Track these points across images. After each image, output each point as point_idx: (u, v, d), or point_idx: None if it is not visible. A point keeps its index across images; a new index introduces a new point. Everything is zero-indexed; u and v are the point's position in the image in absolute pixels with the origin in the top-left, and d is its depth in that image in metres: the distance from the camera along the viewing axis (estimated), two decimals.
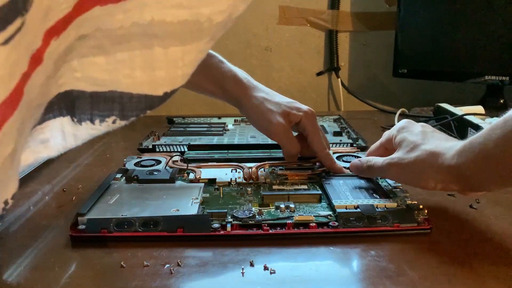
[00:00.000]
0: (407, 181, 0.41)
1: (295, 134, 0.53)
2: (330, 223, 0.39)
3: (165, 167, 0.54)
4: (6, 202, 0.25)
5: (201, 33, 0.28)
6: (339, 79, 1.07)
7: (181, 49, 0.28)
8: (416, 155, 0.39)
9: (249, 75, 0.55)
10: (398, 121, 0.53)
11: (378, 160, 0.44)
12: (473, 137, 0.35)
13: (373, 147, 0.50)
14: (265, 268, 0.34)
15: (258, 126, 0.52)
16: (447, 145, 0.38)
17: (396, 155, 0.42)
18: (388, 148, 0.47)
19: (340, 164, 0.54)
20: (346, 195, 0.44)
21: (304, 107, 0.53)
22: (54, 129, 0.29)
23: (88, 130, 0.30)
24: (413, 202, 0.43)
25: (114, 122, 0.29)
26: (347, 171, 0.52)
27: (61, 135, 0.29)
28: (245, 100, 0.52)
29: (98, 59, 0.27)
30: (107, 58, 0.27)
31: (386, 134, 0.48)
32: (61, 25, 0.23)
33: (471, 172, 0.35)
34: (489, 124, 0.40)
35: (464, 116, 0.68)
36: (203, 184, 0.48)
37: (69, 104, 0.29)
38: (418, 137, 0.41)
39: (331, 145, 0.63)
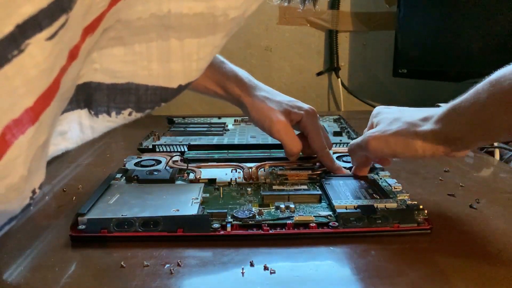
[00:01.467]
0: (392, 153, 0.41)
1: (297, 133, 0.53)
2: (330, 223, 0.39)
3: (165, 167, 0.54)
4: (34, 192, 0.26)
5: (216, 27, 0.28)
6: (339, 79, 1.07)
7: (196, 42, 0.28)
8: (397, 126, 0.41)
9: (250, 75, 0.55)
10: None
11: (357, 139, 0.45)
12: (455, 103, 0.36)
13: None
14: (265, 268, 0.34)
15: (260, 125, 0.52)
16: (426, 114, 0.39)
17: (376, 128, 0.43)
18: None
19: (340, 164, 0.54)
20: (346, 195, 0.44)
21: (306, 106, 0.53)
22: (72, 121, 0.30)
23: (105, 123, 0.30)
24: (413, 202, 0.43)
25: (130, 114, 0.30)
26: (347, 171, 0.52)
27: (79, 127, 0.30)
28: (246, 100, 0.52)
29: (117, 50, 0.28)
30: (125, 49, 0.28)
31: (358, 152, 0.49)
32: (96, 23, 0.24)
33: (459, 135, 0.37)
34: None
35: None
36: (203, 184, 0.48)
37: (86, 96, 0.29)
38: (395, 113, 0.43)
39: None
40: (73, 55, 0.24)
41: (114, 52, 0.28)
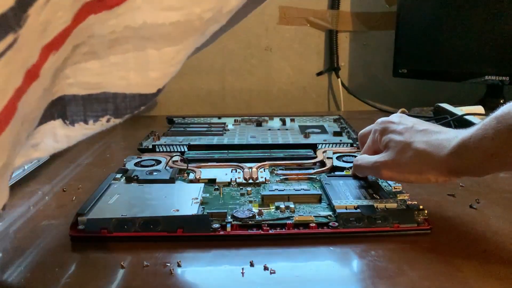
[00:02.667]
0: (405, 181, 0.42)
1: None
2: (330, 224, 0.39)
3: (165, 167, 0.54)
4: None
5: (193, 31, 0.28)
6: (339, 79, 1.07)
7: (174, 49, 0.28)
8: (409, 156, 0.40)
9: None
10: None
11: (367, 161, 0.45)
12: (465, 137, 0.36)
13: (366, 132, 0.50)
14: (265, 268, 0.34)
15: None
16: (437, 142, 0.39)
17: (387, 156, 0.42)
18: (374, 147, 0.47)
19: (341, 164, 0.54)
20: (346, 195, 0.44)
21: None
22: (45, 132, 0.29)
23: (82, 131, 0.29)
24: (413, 202, 0.43)
25: (108, 120, 0.29)
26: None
27: (53, 138, 0.29)
28: None
29: (91, 64, 0.27)
30: (100, 62, 0.27)
31: (368, 136, 0.48)
32: (60, 39, 0.23)
33: (472, 168, 0.37)
34: None
35: (464, 116, 0.68)
36: (203, 184, 0.48)
37: (60, 107, 0.28)
38: (404, 136, 0.42)
39: (331, 145, 0.63)
40: (32, 75, 0.22)
41: (88, 66, 0.27)
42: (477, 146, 0.35)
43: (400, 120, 0.44)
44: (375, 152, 0.46)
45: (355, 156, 0.57)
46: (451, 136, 0.38)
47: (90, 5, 0.24)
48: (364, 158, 0.46)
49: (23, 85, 0.22)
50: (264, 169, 0.54)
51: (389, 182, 0.48)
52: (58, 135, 0.29)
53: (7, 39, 0.20)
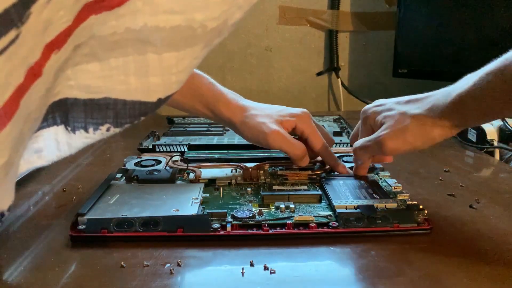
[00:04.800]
0: (411, 148, 0.42)
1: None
2: (330, 223, 0.39)
3: (165, 167, 0.54)
4: (2, 214, 0.25)
5: (195, 39, 0.28)
6: (339, 79, 1.07)
7: (175, 55, 0.28)
8: (409, 122, 0.41)
9: (238, 94, 0.54)
10: None
11: (367, 139, 0.45)
12: (462, 92, 0.39)
13: (356, 131, 0.51)
14: (265, 268, 0.34)
15: (256, 142, 0.51)
16: (429, 105, 0.41)
17: (388, 129, 0.42)
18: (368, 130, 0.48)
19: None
20: (346, 195, 0.44)
21: (297, 111, 0.52)
22: (48, 138, 0.29)
23: (82, 139, 0.29)
24: (413, 202, 0.43)
25: (108, 130, 0.29)
26: (350, 170, 0.52)
27: (55, 144, 0.29)
28: (237, 121, 0.51)
29: (92, 66, 0.27)
30: (101, 65, 0.27)
31: (362, 122, 0.49)
32: (61, 39, 0.23)
33: (472, 120, 0.40)
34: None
35: None
36: (203, 184, 0.48)
37: (62, 113, 0.28)
38: (396, 109, 0.43)
39: None
40: (34, 73, 0.22)
41: (89, 68, 0.27)
42: (480, 99, 0.37)
43: (382, 102, 0.46)
44: (368, 135, 0.46)
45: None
46: (441, 96, 0.41)
47: (91, 5, 0.24)
48: (363, 140, 0.46)
49: (25, 82, 0.22)
50: (264, 169, 0.54)
51: (389, 182, 0.48)
52: (60, 142, 0.29)
53: (10, 35, 0.20)
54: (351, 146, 0.61)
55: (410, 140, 0.41)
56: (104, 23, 0.25)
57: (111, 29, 0.25)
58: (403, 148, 0.42)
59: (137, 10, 0.25)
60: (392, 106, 0.44)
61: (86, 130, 0.29)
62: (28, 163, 0.28)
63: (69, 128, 0.29)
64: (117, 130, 0.30)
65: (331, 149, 0.55)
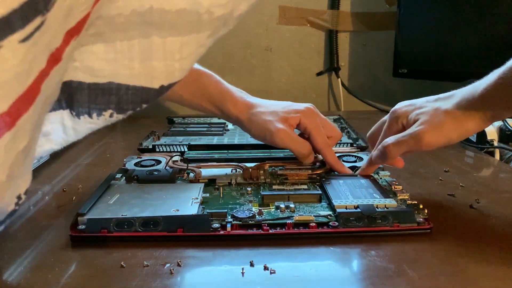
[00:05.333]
0: (448, 141, 0.43)
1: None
2: (330, 223, 0.39)
3: (165, 167, 0.54)
4: (19, 197, 0.26)
5: (200, 25, 0.28)
6: (339, 79, 1.07)
7: (179, 40, 0.28)
8: (443, 117, 0.42)
9: (244, 92, 0.55)
10: None
11: (402, 135, 0.44)
12: (487, 86, 0.40)
13: (375, 131, 0.51)
14: (265, 268, 0.34)
15: (263, 140, 0.52)
16: (458, 100, 0.43)
17: (424, 124, 0.43)
18: (395, 129, 0.47)
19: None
20: (346, 195, 0.44)
21: (301, 107, 0.53)
22: (55, 121, 0.29)
23: (86, 124, 0.30)
24: (413, 202, 0.43)
25: (111, 115, 0.30)
26: (350, 170, 0.52)
27: (62, 129, 0.30)
28: (244, 120, 0.52)
29: (97, 48, 0.27)
30: (105, 47, 0.27)
31: (378, 135, 0.49)
32: (81, 25, 0.24)
33: (501, 113, 0.42)
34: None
35: None
36: (203, 184, 0.48)
37: (68, 96, 0.29)
38: (428, 106, 0.44)
39: None
40: (55, 58, 0.23)
41: (94, 49, 0.27)
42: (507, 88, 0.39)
43: (411, 102, 0.47)
44: (397, 133, 0.46)
45: (355, 156, 0.57)
46: (468, 91, 0.42)
47: None
48: (397, 136, 0.45)
49: (47, 68, 0.23)
50: (264, 169, 0.54)
51: (388, 181, 0.48)
52: (67, 127, 0.30)
53: (36, 21, 0.20)
54: (366, 144, 0.61)
55: (446, 133, 0.42)
56: (111, 2, 0.25)
57: (118, 10, 0.26)
58: (440, 141, 0.43)
59: None
60: (423, 104, 0.45)
61: (90, 116, 0.30)
62: (38, 146, 0.28)
63: (74, 113, 0.29)
64: (120, 116, 0.30)
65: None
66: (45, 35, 0.21)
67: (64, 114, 0.29)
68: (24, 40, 0.20)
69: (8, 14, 0.19)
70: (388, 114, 0.48)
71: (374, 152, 0.48)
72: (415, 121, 0.44)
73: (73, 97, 0.29)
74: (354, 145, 0.64)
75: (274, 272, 0.33)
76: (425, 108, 0.44)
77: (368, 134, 0.52)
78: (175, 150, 0.63)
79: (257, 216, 0.40)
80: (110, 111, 0.29)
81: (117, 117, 0.30)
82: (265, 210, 0.42)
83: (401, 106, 0.47)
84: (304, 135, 0.53)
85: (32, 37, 0.20)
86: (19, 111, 0.22)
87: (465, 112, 0.42)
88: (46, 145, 0.29)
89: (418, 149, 0.44)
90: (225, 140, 0.67)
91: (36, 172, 0.57)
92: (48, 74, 0.23)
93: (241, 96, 0.54)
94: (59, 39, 0.23)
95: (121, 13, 0.26)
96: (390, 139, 0.45)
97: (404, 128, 0.45)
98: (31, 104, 0.22)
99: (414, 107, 0.45)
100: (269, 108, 0.52)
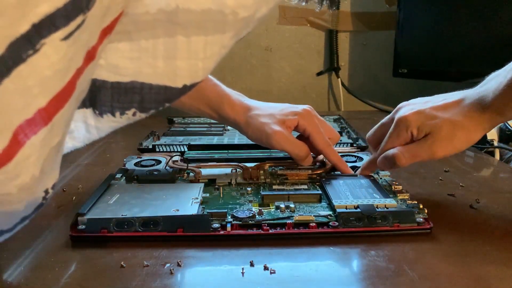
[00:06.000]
0: (456, 151, 0.44)
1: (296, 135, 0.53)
2: (330, 223, 0.39)
3: (165, 167, 0.54)
4: (46, 191, 0.26)
5: (225, 26, 0.28)
6: (339, 79, 1.07)
7: (203, 39, 0.28)
8: (453, 130, 0.43)
9: (242, 94, 0.55)
10: None
11: (415, 148, 0.44)
12: (495, 96, 0.41)
13: (376, 133, 0.50)
14: (265, 268, 0.34)
15: (260, 142, 0.52)
16: (466, 109, 0.43)
17: (437, 138, 0.43)
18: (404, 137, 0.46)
19: None
20: (346, 195, 0.44)
21: (299, 109, 0.52)
22: (78, 120, 0.30)
23: (109, 123, 0.30)
24: (413, 202, 0.43)
25: (134, 114, 0.30)
26: (352, 171, 0.52)
27: (85, 127, 0.30)
28: (242, 123, 0.52)
29: (122, 45, 0.27)
30: (131, 45, 0.27)
31: (377, 136, 0.49)
32: (114, 24, 0.24)
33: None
34: None
35: None
36: (203, 184, 0.48)
37: (91, 94, 0.29)
38: (439, 117, 0.44)
39: None
40: (90, 56, 0.24)
41: (120, 47, 0.27)
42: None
43: (419, 109, 0.46)
44: (405, 142, 0.46)
45: (355, 156, 0.58)
46: (474, 99, 0.43)
47: None
48: (410, 150, 0.45)
49: (83, 65, 0.23)
50: (264, 169, 0.54)
51: (388, 181, 0.48)
52: (90, 125, 0.30)
53: (77, 20, 0.21)
54: (366, 144, 0.61)
55: (457, 144, 0.43)
56: (138, 0, 0.26)
57: (144, 8, 0.26)
58: (451, 153, 0.44)
59: None
60: (432, 113, 0.44)
61: (113, 114, 0.30)
62: None
63: (97, 112, 0.30)
64: (143, 115, 0.30)
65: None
66: (84, 33, 0.22)
67: (87, 112, 0.30)
68: (66, 38, 0.21)
69: (52, 12, 0.20)
70: (395, 121, 0.46)
71: (380, 160, 0.47)
72: (426, 134, 0.44)
73: (96, 96, 0.29)
74: (354, 145, 0.64)
75: (274, 272, 0.33)
76: (436, 120, 0.44)
77: (367, 136, 0.51)
78: (175, 150, 0.63)
79: (257, 216, 0.40)
80: (133, 110, 0.30)
81: (140, 115, 0.30)
82: (265, 210, 0.42)
83: (409, 112, 0.45)
84: (304, 136, 0.53)
85: (73, 35, 0.21)
86: (56, 107, 0.22)
87: (475, 121, 0.43)
88: (69, 143, 0.30)
89: (430, 159, 0.45)
90: (225, 140, 0.67)
91: None
92: (83, 71, 0.23)
93: (239, 98, 0.53)
94: (95, 37, 0.23)
95: (147, 11, 0.26)
96: (402, 152, 0.45)
97: (412, 137, 0.45)
98: (66, 101, 0.23)
99: (424, 116, 0.44)
100: (267, 110, 0.52)
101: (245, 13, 0.28)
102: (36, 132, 0.22)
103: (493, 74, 0.43)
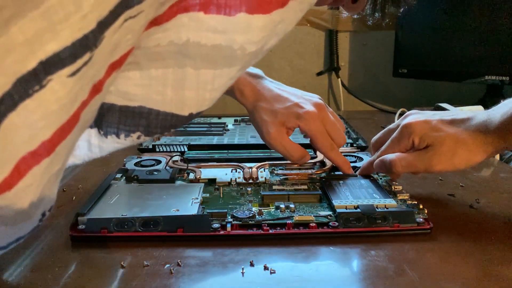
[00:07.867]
0: (455, 169, 0.43)
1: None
2: (330, 223, 0.39)
3: (165, 167, 0.54)
4: (43, 214, 0.26)
5: (233, 60, 0.29)
6: (339, 79, 1.07)
7: (212, 72, 0.29)
8: (454, 147, 0.42)
9: (257, 73, 0.53)
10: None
11: (412, 159, 0.44)
12: (504, 120, 0.40)
13: (381, 139, 0.50)
14: (265, 268, 0.34)
15: (260, 137, 0.52)
16: (473, 127, 0.43)
17: (437, 155, 0.43)
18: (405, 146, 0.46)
19: None
20: (346, 195, 0.44)
21: (304, 110, 0.50)
22: (81, 139, 0.30)
23: (113, 144, 0.31)
24: (413, 202, 0.43)
25: (138, 137, 0.30)
26: (352, 171, 0.51)
27: (87, 145, 0.31)
28: (248, 109, 0.52)
29: (132, 74, 0.28)
30: (141, 73, 0.28)
31: (382, 141, 0.49)
32: (124, 58, 0.25)
33: None
34: None
35: None
36: (203, 184, 0.48)
37: (98, 116, 0.29)
38: (444, 131, 0.44)
39: None
40: (96, 89, 0.24)
41: (130, 75, 0.28)
42: None
43: (426, 118, 0.45)
44: (405, 149, 0.46)
45: (355, 156, 0.58)
46: (482, 120, 0.42)
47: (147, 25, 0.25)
48: (407, 158, 0.45)
49: (88, 98, 0.23)
50: (264, 169, 0.54)
51: (388, 181, 0.48)
52: (92, 144, 0.31)
53: (84, 57, 0.21)
54: (366, 144, 0.61)
55: (456, 163, 0.43)
56: (150, 35, 0.26)
57: (156, 41, 0.26)
58: (448, 170, 0.44)
59: (182, 25, 0.26)
60: (438, 125, 0.44)
61: (118, 136, 0.30)
62: None
63: (102, 132, 0.30)
64: (147, 138, 0.31)
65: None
66: (91, 69, 0.22)
67: (92, 132, 0.30)
68: (73, 74, 0.21)
69: (60, 50, 0.20)
70: (400, 126, 0.46)
71: (377, 162, 0.47)
72: (428, 145, 0.44)
73: (103, 117, 0.29)
74: (354, 145, 0.64)
75: (274, 272, 0.34)
76: (441, 133, 0.44)
77: (372, 141, 0.51)
78: (175, 150, 0.63)
79: (257, 216, 0.40)
80: (138, 133, 0.30)
81: (145, 139, 0.31)
82: (265, 210, 0.42)
83: (416, 121, 0.45)
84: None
85: (80, 71, 0.21)
86: (60, 138, 0.23)
87: (478, 142, 0.42)
88: (70, 160, 0.30)
89: (427, 173, 0.45)
90: (225, 140, 0.67)
91: None
92: (89, 103, 0.24)
93: (250, 82, 0.52)
94: (103, 72, 0.24)
95: (158, 44, 0.26)
96: (399, 159, 0.45)
97: (413, 145, 0.45)
98: (70, 132, 0.23)
99: (430, 127, 0.44)
100: (273, 105, 0.51)
101: (253, 48, 0.28)
102: (39, 162, 0.22)
103: (509, 99, 0.42)
